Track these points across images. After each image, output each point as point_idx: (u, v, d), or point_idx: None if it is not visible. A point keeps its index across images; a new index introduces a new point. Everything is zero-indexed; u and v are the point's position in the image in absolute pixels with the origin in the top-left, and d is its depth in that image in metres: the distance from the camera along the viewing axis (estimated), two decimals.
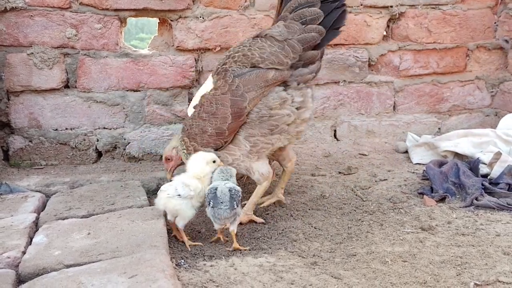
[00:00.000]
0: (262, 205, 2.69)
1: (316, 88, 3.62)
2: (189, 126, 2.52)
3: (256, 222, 2.51)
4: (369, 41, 3.62)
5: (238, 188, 2.25)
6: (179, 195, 2.20)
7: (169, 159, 2.70)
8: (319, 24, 2.38)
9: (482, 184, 2.72)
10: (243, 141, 2.44)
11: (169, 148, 2.71)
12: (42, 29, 3.12)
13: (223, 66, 2.45)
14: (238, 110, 2.37)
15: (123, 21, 3.26)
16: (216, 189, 2.19)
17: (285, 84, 2.42)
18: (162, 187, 2.28)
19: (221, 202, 2.16)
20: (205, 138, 2.45)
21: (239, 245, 2.22)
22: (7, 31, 3.08)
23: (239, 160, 2.47)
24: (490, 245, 2.20)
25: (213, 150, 2.45)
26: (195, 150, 2.47)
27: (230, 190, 2.18)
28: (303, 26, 2.37)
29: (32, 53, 3.13)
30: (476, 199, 2.64)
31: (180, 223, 2.24)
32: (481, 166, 2.94)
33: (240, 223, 2.44)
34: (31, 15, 3.09)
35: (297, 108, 2.44)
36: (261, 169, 2.49)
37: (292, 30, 2.37)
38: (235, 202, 2.16)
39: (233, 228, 2.21)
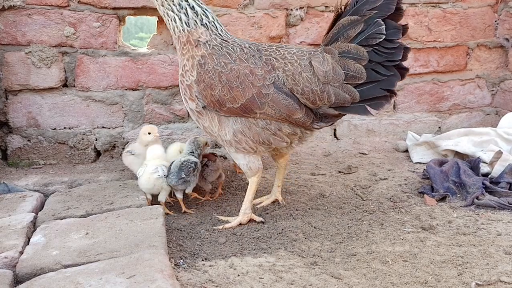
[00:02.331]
0: (260, 205, 2.68)
1: None
2: (205, 67, 2.34)
3: (255, 221, 2.49)
4: None
5: (193, 159, 2.61)
6: (165, 176, 2.58)
7: None
8: (357, 86, 2.26)
9: (483, 183, 2.71)
10: (229, 129, 2.37)
11: None
12: (40, 28, 3.10)
13: (273, 61, 2.31)
14: (248, 108, 2.30)
15: (121, 20, 3.24)
16: (172, 162, 2.61)
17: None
18: (146, 169, 2.57)
19: (171, 173, 2.56)
20: (206, 93, 2.33)
21: (187, 208, 2.64)
22: (5, 30, 3.07)
23: (211, 132, 2.45)
24: (491, 245, 2.19)
25: (203, 103, 2.36)
26: (189, 86, 2.38)
27: (182, 163, 2.58)
28: (344, 78, 2.25)
29: (30, 51, 3.11)
30: (477, 198, 2.63)
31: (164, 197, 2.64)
32: (481, 165, 2.92)
33: (240, 224, 2.44)
34: (29, 14, 3.07)
35: (299, 139, 2.46)
36: (250, 163, 2.46)
37: (336, 77, 2.25)
38: (182, 172, 2.55)
39: (179, 196, 2.63)
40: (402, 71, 2.27)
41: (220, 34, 2.41)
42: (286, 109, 2.29)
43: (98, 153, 3.34)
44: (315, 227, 2.44)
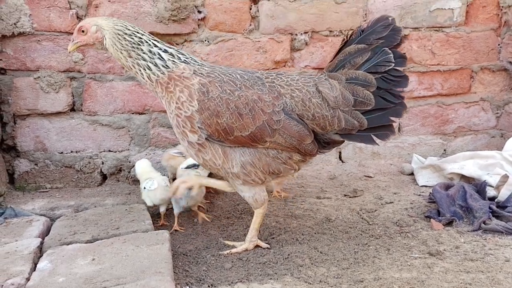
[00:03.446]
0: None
1: None
2: (209, 95, 2.25)
3: (261, 247, 2.48)
4: None
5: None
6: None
7: None
8: (365, 113, 2.29)
9: (490, 208, 2.70)
10: (236, 161, 2.31)
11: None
12: (49, 54, 3.15)
13: (278, 88, 2.30)
14: (258, 136, 2.25)
15: None
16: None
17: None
18: (159, 182, 2.72)
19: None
20: (211, 121, 2.24)
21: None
22: (15, 56, 3.12)
23: (212, 166, 2.34)
24: (500, 271, 2.17)
25: (205, 134, 2.27)
26: (190, 117, 2.25)
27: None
28: (353, 103, 2.28)
29: (39, 77, 3.16)
30: (484, 223, 2.61)
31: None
32: (488, 188, 2.91)
33: (246, 250, 2.44)
34: (38, 40, 3.13)
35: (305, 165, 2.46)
36: (256, 195, 2.42)
37: (346, 102, 2.28)
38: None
39: (177, 211, 2.71)
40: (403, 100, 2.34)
41: (204, 64, 2.36)
42: (298, 135, 2.27)
43: (104, 177, 3.36)
44: (321, 252, 2.42)
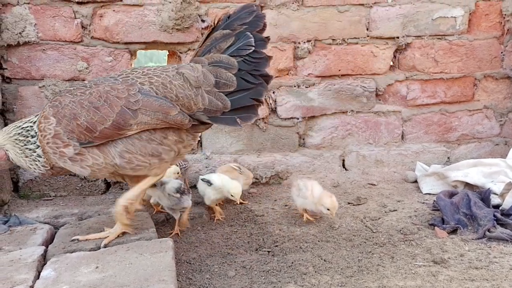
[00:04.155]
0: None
1: (324, 118, 3.64)
2: (61, 105, 2.28)
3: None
4: (376, 71, 3.64)
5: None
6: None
7: None
8: (228, 94, 2.33)
9: (494, 215, 2.69)
10: (113, 152, 2.30)
11: None
12: (54, 63, 3.18)
13: (133, 79, 2.32)
14: (121, 122, 2.24)
15: (133, 54, 3.32)
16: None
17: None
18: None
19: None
20: (73, 126, 2.25)
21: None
22: (20, 65, 3.15)
23: (99, 167, 2.33)
24: (505, 279, 2.16)
25: (77, 142, 2.26)
26: (56, 135, 2.26)
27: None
28: (215, 83, 2.31)
29: (44, 86, 3.18)
30: (489, 230, 2.60)
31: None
32: (492, 196, 2.90)
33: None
34: (44, 49, 3.16)
35: (184, 147, 2.43)
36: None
37: (207, 82, 2.31)
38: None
39: (177, 216, 2.78)
40: (267, 79, 2.38)
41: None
42: (160, 108, 2.26)
43: (108, 185, 3.37)
44: (325, 260, 2.42)
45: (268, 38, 2.38)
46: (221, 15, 2.41)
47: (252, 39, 2.32)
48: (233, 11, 2.39)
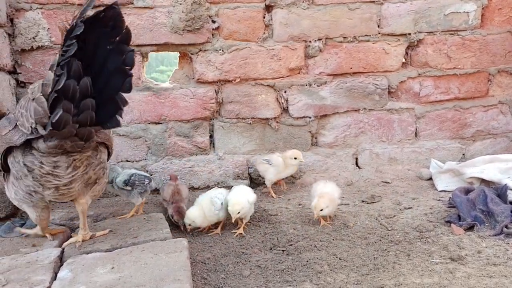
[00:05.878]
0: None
1: (336, 117, 3.62)
2: None
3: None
4: (388, 68, 3.62)
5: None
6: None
7: None
8: (48, 95, 1.89)
9: (511, 212, 2.65)
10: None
11: None
12: None
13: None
14: None
15: (145, 56, 3.34)
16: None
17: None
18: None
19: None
20: None
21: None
22: (33, 69, 3.18)
23: None
24: None
25: None
26: None
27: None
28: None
29: None
30: (506, 227, 2.56)
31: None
32: (509, 192, 2.86)
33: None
34: (56, 53, 3.17)
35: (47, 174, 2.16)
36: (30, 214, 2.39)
37: (44, 92, 1.91)
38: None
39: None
40: None
41: None
42: None
43: None
44: (340, 259, 2.40)
45: None
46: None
47: None
48: None
